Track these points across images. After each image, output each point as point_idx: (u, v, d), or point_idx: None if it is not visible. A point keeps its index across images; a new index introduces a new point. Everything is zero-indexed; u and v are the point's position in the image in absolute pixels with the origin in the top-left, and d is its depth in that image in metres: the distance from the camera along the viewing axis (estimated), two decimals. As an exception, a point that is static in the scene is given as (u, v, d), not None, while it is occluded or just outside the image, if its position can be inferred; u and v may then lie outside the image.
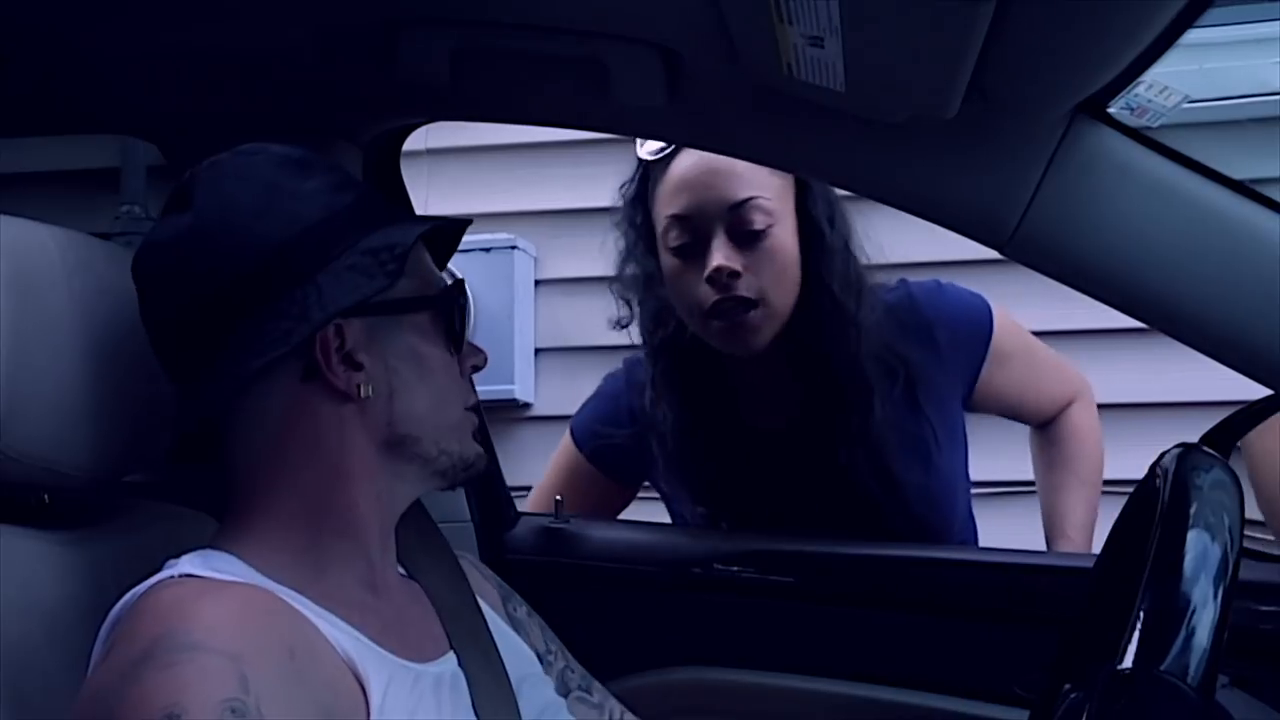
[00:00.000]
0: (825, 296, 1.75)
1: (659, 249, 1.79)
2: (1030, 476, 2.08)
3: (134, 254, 1.13)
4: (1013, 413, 1.98)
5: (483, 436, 1.24)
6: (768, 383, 1.84)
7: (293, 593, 1.06)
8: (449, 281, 1.21)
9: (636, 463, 1.93)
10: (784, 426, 1.83)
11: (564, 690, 1.32)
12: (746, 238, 1.72)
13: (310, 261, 1.09)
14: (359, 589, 1.12)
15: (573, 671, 1.35)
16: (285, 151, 1.15)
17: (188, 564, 1.06)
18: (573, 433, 1.99)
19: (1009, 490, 2.55)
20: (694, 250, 1.73)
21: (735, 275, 1.71)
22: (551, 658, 1.33)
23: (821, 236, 1.76)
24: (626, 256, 1.86)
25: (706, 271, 1.71)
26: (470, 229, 1.26)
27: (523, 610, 1.35)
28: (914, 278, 1.90)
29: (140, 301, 1.13)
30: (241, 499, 1.12)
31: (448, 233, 1.25)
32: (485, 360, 1.22)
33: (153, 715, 0.91)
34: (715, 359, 1.81)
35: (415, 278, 1.16)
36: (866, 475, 1.80)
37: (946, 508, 1.87)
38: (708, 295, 1.72)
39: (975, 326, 1.85)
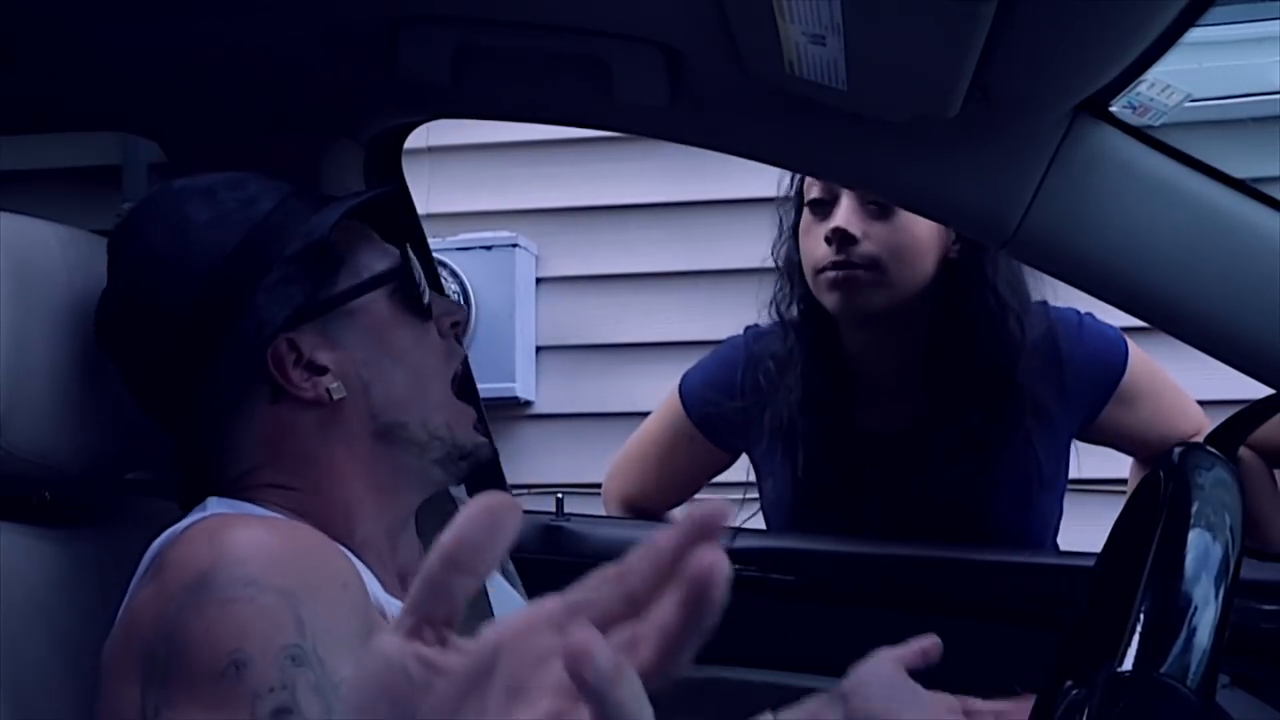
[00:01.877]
0: (987, 292, 1.73)
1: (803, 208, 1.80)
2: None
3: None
4: (1123, 448, 1.91)
5: (483, 428, 1.23)
6: (893, 382, 1.82)
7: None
8: (396, 253, 1.17)
9: (742, 435, 1.91)
10: (895, 434, 1.81)
11: None
12: (876, 207, 1.72)
13: (241, 289, 1.07)
14: None
15: None
16: (189, 184, 1.13)
17: (215, 508, 1.06)
18: (682, 394, 1.95)
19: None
20: (825, 207, 1.75)
21: (852, 240, 1.71)
22: None
23: None
24: (785, 235, 1.85)
25: (826, 230, 1.73)
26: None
27: None
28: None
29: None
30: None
31: (394, 203, 1.23)
32: (464, 314, 1.20)
33: (218, 658, 0.92)
34: (846, 349, 1.81)
35: (354, 261, 1.14)
36: (960, 504, 1.78)
37: (1036, 544, 1.85)
38: (825, 253, 1.73)
39: (1105, 371, 1.80)
